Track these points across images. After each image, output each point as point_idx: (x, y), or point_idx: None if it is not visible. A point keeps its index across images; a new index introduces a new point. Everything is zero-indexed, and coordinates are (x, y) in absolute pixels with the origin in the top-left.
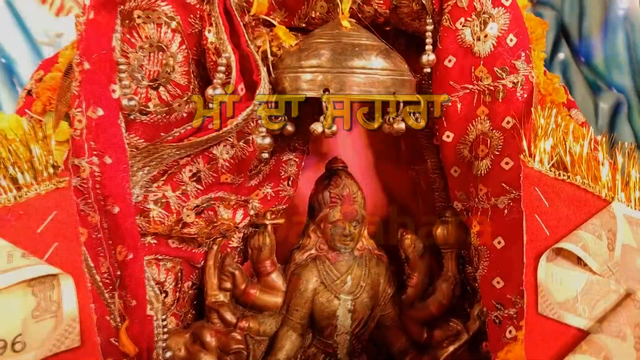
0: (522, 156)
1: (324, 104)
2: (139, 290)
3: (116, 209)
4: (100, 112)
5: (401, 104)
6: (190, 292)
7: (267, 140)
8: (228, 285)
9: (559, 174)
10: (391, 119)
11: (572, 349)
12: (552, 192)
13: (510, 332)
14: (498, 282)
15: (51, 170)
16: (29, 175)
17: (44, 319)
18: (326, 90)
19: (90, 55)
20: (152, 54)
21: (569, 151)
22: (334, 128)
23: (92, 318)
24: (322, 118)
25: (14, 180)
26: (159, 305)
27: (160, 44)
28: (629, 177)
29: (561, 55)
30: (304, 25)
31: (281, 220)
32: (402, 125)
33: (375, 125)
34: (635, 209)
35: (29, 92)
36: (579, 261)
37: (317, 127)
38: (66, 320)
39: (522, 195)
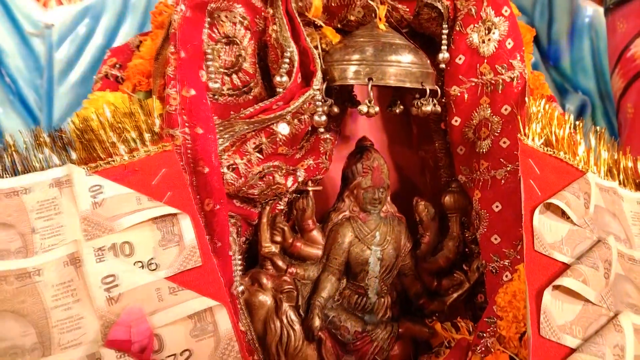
0: (519, 135)
1: (369, 89)
2: (224, 233)
3: (206, 170)
4: (193, 92)
5: (428, 91)
6: (244, 246)
7: (323, 118)
8: (279, 238)
9: (547, 150)
10: (419, 103)
11: (559, 276)
12: (542, 163)
13: (506, 276)
14: (495, 239)
15: (155, 136)
16: (137, 139)
17: (169, 247)
18: (370, 79)
19: (186, 45)
20: (228, 47)
21: (554, 132)
22: (377, 109)
23: (207, 245)
24: (366, 101)
25: (126, 143)
26: (235, 247)
27: (235, 39)
28: (600, 154)
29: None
30: (340, 26)
31: (320, 187)
32: (429, 108)
33: (397, 110)
34: (604, 179)
35: (106, 76)
36: (563, 214)
37: (363, 108)
38: (188, 247)
39: (520, 165)
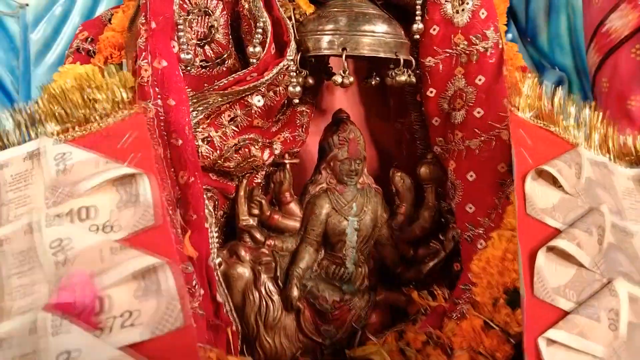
0: (509, 106)
1: (343, 60)
2: (199, 206)
3: (179, 142)
4: (164, 63)
5: (402, 61)
6: (221, 220)
7: (298, 89)
8: (256, 211)
9: (537, 122)
10: (394, 73)
11: (551, 239)
12: (533, 134)
13: (480, 244)
14: (470, 208)
15: (126, 100)
16: (109, 106)
17: (126, 207)
18: (344, 49)
19: (157, 16)
20: (200, 17)
21: (543, 107)
22: (351, 79)
23: (164, 204)
24: (341, 71)
25: (98, 111)
26: (212, 220)
27: (207, 9)
28: (591, 130)
29: (509, 36)
30: None
31: (297, 160)
32: (404, 78)
33: (373, 82)
34: (595, 154)
35: (77, 50)
36: (554, 181)
37: (337, 79)
38: (143, 206)
39: (511, 134)
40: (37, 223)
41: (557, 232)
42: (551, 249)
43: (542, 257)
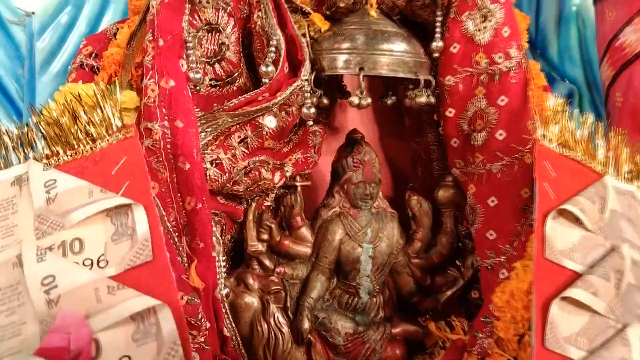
0: (535, 137)
1: (360, 80)
2: (206, 234)
3: (187, 166)
4: (172, 82)
5: (422, 82)
6: (229, 244)
7: (312, 111)
8: (265, 236)
9: (564, 151)
10: (413, 94)
11: (568, 286)
12: (558, 165)
13: (502, 274)
14: (491, 234)
15: (119, 124)
16: (101, 129)
17: (121, 241)
18: (361, 69)
19: (165, 34)
20: (210, 34)
21: (572, 133)
22: (369, 100)
23: (161, 238)
24: (358, 92)
25: (89, 135)
26: (219, 248)
27: (217, 26)
28: (619, 157)
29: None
30: (328, 13)
31: (309, 183)
32: (423, 99)
33: (389, 101)
34: (623, 182)
35: (81, 66)
36: (576, 220)
37: (354, 100)
38: (140, 241)
39: (535, 167)
40: (27, 256)
41: (574, 275)
42: (566, 298)
43: (556, 306)
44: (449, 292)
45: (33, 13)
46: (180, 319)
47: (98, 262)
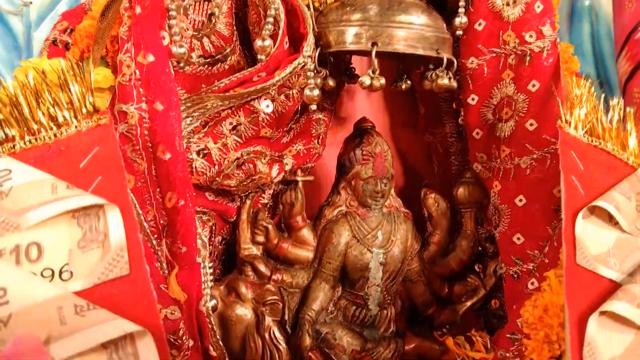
0: (559, 122)
1: (373, 57)
2: (189, 236)
3: (167, 156)
4: (151, 58)
5: (445, 61)
6: (220, 247)
7: (316, 92)
8: (261, 239)
9: (592, 140)
10: (434, 75)
11: (606, 298)
12: (586, 156)
13: (532, 283)
14: (518, 239)
15: (91, 108)
16: (68, 113)
17: (90, 249)
18: (374, 44)
19: (143, 0)
20: (197, 3)
21: (600, 120)
22: (382, 81)
23: (140, 247)
24: (370, 71)
25: (54, 119)
26: (205, 253)
27: None
28: None
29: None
30: None
31: (311, 178)
32: (446, 81)
33: (403, 86)
34: None
35: (54, 42)
36: (610, 219)
37: (365, 80)
38: (114, 249)
39: (561, 158)
40: None
41: (612, 285)
42: (604, 312)
43: (594, 323)
44: (468, 303)
45: (30, 3)
46: (163, 348)
47: (60, 273)
